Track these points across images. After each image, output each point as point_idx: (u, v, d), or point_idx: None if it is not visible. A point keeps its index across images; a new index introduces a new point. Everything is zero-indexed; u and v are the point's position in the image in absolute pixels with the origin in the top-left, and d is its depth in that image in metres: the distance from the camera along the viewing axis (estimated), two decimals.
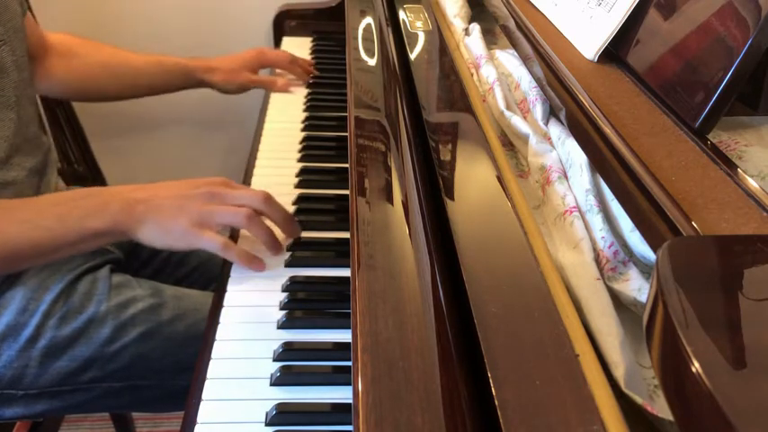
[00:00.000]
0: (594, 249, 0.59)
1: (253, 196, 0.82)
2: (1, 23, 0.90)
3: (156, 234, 0.79)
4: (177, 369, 0.92)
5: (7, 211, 0.80)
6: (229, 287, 0.80)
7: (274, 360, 0.70)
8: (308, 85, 1.34)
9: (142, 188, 0.82)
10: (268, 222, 0.84)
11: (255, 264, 0.82)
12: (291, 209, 0.95)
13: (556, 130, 0.73)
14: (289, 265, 0.84)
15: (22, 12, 1.00)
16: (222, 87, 1.28)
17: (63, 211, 0.80)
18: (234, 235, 0.87)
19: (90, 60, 1.17)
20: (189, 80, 1.25)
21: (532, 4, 0.86)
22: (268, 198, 0.82)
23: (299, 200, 0.97)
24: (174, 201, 0.80)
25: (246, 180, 1.04)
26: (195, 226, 0.78)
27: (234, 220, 0.80)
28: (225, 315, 0.76)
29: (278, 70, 1.38)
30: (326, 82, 1.36)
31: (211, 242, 0.79)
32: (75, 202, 0.81)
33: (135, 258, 1.12)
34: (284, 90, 1.32)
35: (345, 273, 0.79)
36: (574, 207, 0.62)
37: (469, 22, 1.02)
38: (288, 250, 0.86)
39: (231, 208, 0.80)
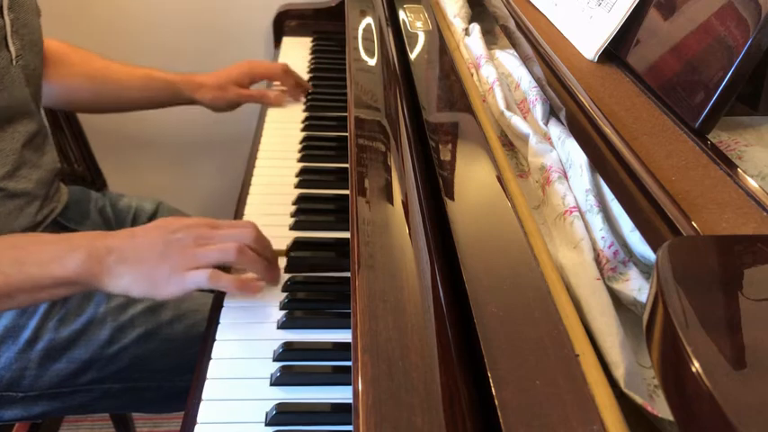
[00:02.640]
0: (594, 249, 0.58)
1: (240, 233, 0.76)
2: (18, 37, 0.90)
3: (135, 284, 0.72)
4: (177, 370, 0.92)
5: None
6: None
7: (274, 360, 0.70)
8: None
9: (115, 235, 0.75)
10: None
11: (250, 288, 0.77)
12: (291, 209, 0.95)
13: (556, 130, 0.73)
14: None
15: (39, 20, 0.99)
16: (211, 105, 1.23)
17: (23, 255, 0.73)
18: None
19: (77, 71, 1.15)
20: (178, 98, 1.21)
21: (532, 4, 0.86)
22: (256, 235, 0.77)
23: (299, 200, 0.97)
24: (155, 247, 0.73)
25: (247, 180, 1.04)
26: (180, 270, 0.72)
27: (223, 257, 0.74)
28: (225, 315, 0.76)
29: (274, 83, 1.34)
30: (326, 82, 1.35)
31: (197, 278, 0.72)
32: (38, 246, 0.75)
33: None
34: (278, 103, 1.27)
35: (345, 273, 0.79)
36: (574, 207, 0.62)
37: (469, 22, 1.02)
38: (288, 250, 0.86)
39: (218, 245, 0.74)
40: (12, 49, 0.88)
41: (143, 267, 0.72)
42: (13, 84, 0.89)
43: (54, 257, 0.73)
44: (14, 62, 0.88)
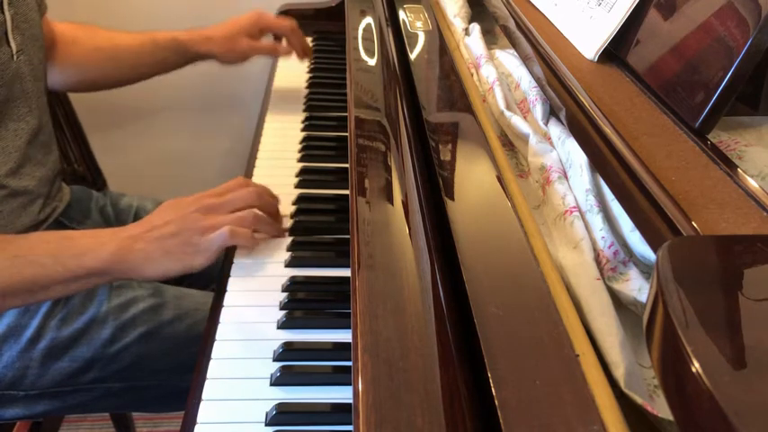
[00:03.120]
0: (594, 249, 0.59)
1: (246, 195, 0.83)
2: (19, 32, 0.90)
3: (169, 260, 0.77)
4: (178, 369, 0.92)
5: None
6: (229, 287, 0.80)
7: (274, 360, 0.70)
8: (308, 86, 1.34)
9: (133, 225, 0.80)
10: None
11: (278, 230, 0.87)
12: (291, 209, 0.95)
13: (556, 130, 0.73)
14: (289, 265, 0.84)
15: (41, 15, 0.99)
16: (222, 57, 1.20)
17: (57, 248, 0.77)
18: None
19: (87, 46, 1.14)
20: (186, 54, 1.19)
21: (532, 4, 0.86)
22: (260, 193, 0.85)
23: (299, 200, 0.97)
24: (175, 223, 0.78)
25: None
26: (204, 234, 0.77)
27: (243, 223, 0.80)
28: (225, 315, 0.76)
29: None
30: (326, 82, 1.35)
31: (221, 237, 0.78)
32: (69, 240, 0.79)
33: None
34: (288, 54, 1.25)
35: (345, 273, 0.79)
36: (574, 207, 0.62)
37: (469, 22, 1.02)
38: (288, 250, 0.86)
39: (234, 215, 0.80)
40: (12, 44, 0.88)
41: (170, 243, 0.77)
42: (15, 79, 0.89)
43: (87, 250, 0.77)
44: (15, 57, 0.89)
